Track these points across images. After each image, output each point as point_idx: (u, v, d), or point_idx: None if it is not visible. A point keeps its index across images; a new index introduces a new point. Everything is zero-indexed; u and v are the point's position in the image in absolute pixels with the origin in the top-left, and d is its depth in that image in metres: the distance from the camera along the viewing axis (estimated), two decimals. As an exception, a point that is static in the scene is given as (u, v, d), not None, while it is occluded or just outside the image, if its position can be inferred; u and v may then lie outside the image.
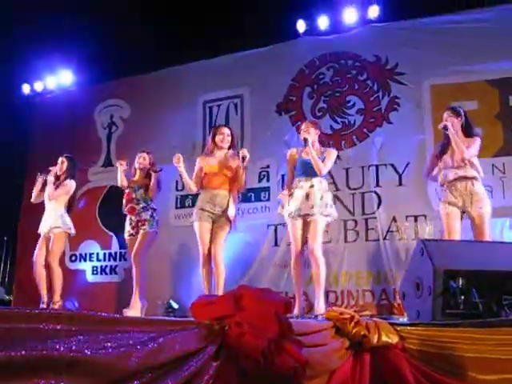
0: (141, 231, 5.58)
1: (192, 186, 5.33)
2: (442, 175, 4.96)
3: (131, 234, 5.68)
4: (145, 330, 1.63)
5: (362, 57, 6.84)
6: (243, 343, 1.84)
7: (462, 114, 4.97)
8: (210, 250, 5.07)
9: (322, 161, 5.01)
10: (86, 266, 7.78)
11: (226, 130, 5.34)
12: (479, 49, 6.14)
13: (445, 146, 4.99)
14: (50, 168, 6.16)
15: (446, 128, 4.83)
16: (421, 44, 6.43)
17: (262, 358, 1.84)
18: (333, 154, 5.16)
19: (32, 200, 6.27)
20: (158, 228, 5.74)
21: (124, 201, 5.73)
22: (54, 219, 6.02)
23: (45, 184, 6.13)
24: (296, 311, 4.94)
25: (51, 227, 5.99)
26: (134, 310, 5.42)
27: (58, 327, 1.36)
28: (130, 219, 5.69)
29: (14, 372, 1.22)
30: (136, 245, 5.53)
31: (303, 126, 5.25)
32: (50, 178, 6.07)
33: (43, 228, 6.07)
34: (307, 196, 4.95)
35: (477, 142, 4.87)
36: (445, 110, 5.07)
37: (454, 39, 6.28)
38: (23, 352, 1.21)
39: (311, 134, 5.10)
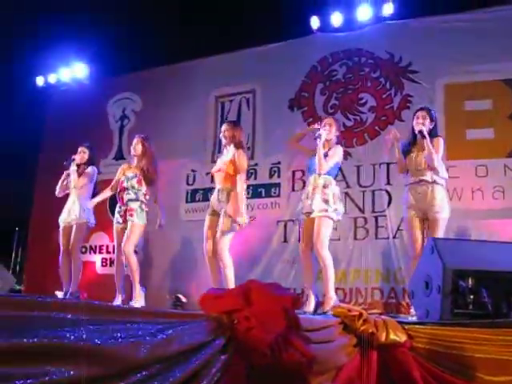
0: (129, 223, 5.51)
1: None
2: (406, 177, 5.02)
3: (118, 222, 5.63)
4: (154, 322, 1.64)
5: (375, 54, 6.80)
6: (251, 337, 1.84)
7: (434, 118, 5.01)
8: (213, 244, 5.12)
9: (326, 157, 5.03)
10: (96, 258, 7.84)
11: (223, 127, 5.34)
12: (495, 48, 6.07)
13: (409, 146, 5.02)
14: (74, 156, 6.18)
15: (421, 133, 4.83)
16: (435, 42, 6.38)
17: (269, 352, 1.85)
18: (337, 151, 5.13)
19: (56, 193, 6.29)
20: (147, 220, 5.65)
21: (118, 189, 5.75)
22: (77, 210, 6.08)
23: (68, 176, 6.19)
24: (306, 308, 4.96)
25: (73, 218, 6.06)
26: (139, 300, 5.45)
27: (69, 316, 1.37)
28: (120, 207, 5.67)
29: (25, 359, 1.24)
30: (124, 238, 5.50)
31: (326, 120, 5.26)
32: (73, 168, 6.12)
33: (66, 218, 6.12)
34: (309, 193, 4.98)
35: (440, 144, 4.91)
36: (419, 109, 5.08)
37: (470, 38, 6.22)
38: (35, 339, 1.23)
39: (330, 133, 5.11)
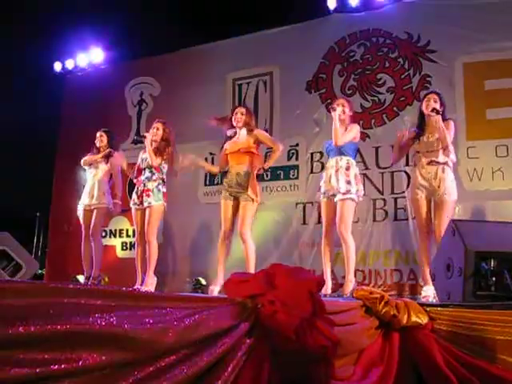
0: (146, 204, 5.52)
1: (214, 170, 5.71)
2: (416, 158, 5.01)
3: (135, 203, 5.64)
4: (181, 307, 1.66)
5: (393, 34, 6.72)
6: (276, 321, 1.86)
7: (444, 102, 5.01)
8: (231, 226, 5.18)
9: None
10: (116, 242, 7.91)
11: (239, 109, 5.39)
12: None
13: (419, 129, 5.03)
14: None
15: (436, 111, 4.82)
16: (454, 20, 6.28)
17: (294, 336, 1.86)
18: (354, 128, 5.16)
19: (82, 162, 6.39)
20: (166, 201, 5.66)
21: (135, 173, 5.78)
22: (98, 194, 6.17)
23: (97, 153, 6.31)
24: (324, 290, 4.99)
25: (94, 202, 6.16)
26: (149, 287, 5.48)
27: (98, 302, 1.40)
28: (137, 188, 5.68)
29: (59, 344, 1.26)
30: (146, 223, 5.52)
31: (338, 101, 5.28)
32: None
33: (87, 201, 6.21)
34: (331, 176, 5.00)
35: (452, 127, 4.91)
36: (429, 93, 5.12)
37: (489, 15, 6.11)
38: (67, 326, 1.25)
39: (344, 113, 5.12)
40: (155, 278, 5.61)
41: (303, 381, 1.97)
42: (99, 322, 1.33)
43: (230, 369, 1.66)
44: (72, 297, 1.34)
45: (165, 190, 5.63)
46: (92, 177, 6.26)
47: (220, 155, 5.53)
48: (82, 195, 6.31)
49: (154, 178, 5.58)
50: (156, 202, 5.51)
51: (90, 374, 1.29)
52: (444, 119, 4.90)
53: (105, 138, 6.34)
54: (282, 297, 1.93)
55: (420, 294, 5.02)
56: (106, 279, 6.55)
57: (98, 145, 6.31)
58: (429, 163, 4.86)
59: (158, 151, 5.58)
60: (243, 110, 5.39)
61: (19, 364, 1.16)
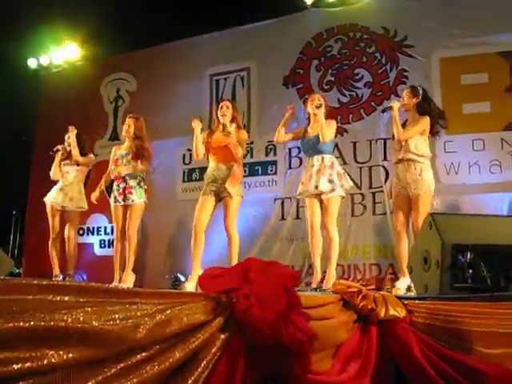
0: (129, 202, 5.51)
1: (196, 154, 5.38)
2: (392, 155, 5.18)
3: (117, 201, 5.60)
4: (153, 302, 1.63)
5: (371, 29, 6.74)
6: (251, 316, 1.83)
7: (420, 93, 4.98)
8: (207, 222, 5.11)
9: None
10: (94, 240, 7.83)
11: (225, 102, 5.33)
12: (491, 20, 6.03)
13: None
14: (58, 147, 6.20)
15: (390, 109, 4.89)
16: (431, 16, 6.33)
17: (269, 330, 1.83)
18: (333, 124, 5.21)
19: (52, 177, 6.31)
20: (147, 197, 5.66)
21: (113, 167, 5.72)
22: (75, 195, 6.15)
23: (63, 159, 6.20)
24: (313, 283, 5.05)
25: (70, 203, 6.13)
26: (127, 284, 5.43)
27: (66, 298, 1.36)
28: (117, 185, 5.63)
29: (22, 342, 1.23)
30: (127, 220, 5.50)
31: (313, 97, 5.26)
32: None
33: (60, 200, 6.13)
34: (311, 176, 5.00)
35: (423, 122, 4.90)
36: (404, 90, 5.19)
37: (465, 10, 6.17)
38: (31, 322, 1.22)
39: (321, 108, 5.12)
40: (133, 275, 5.56)
41: (279, 376, 1.95)
42: (65, 318, 1.30)
43: (203, 364, 1.63)
44: (37, 293, 1.30)
45: (146, 186, 5.61)
46: (66, 177, 6.21)
47: (200, 146, 5.33)
48: (53, 191, 6.21)
49: (135, 174, 5.56)
50: (139, 199, 5.50)
51: (55, 372, 1.25)
52: (422, 113, 4.92)
53: (71, 139, 6.25)
54: (256, 291, 1.91)
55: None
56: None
57: (66, 146, 6.22)
58: (400, 160, 4.91)
59: (138, 155, 5.54)
60: (229, 103, 5.31)
61: (-21, 363, 1.13)
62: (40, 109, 8.50)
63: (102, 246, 7.77)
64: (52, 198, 6.15)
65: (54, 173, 6.29)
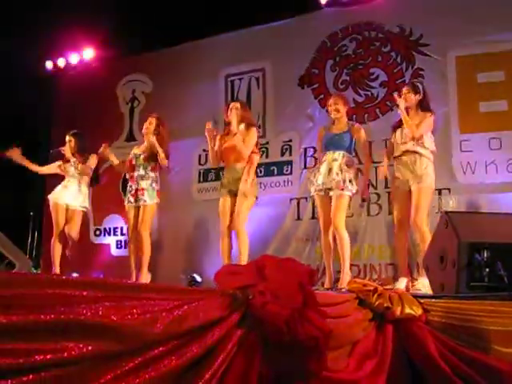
0: (140, 202, 5.53)
1: (212, 162, 5.55)
2: (394, 150, 5.03)
3: (129, 202, 5.64)
4: (170, 298, 1.65)
5: (386, 28, 6.71)
6: (267, 312, 1.84)
7: (421, 90, 4.97)
8: (230, 223, 5.13)
9: (349, 135, 5.14)
10: (111, 240, 7.88)
11: (234, 104, 5.37)
12: (508, 17, 5.96)
13: (398, 123, 5.05)
14: (62, 148, 6.20)
15: (397, 106, 4.92)
16: (447, 14, 6.27)
17: (285, 327, 1.85)
18: (362, 133, 5.25)
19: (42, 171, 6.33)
20: (159, 198, 5.67)
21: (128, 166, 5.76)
22: (81, 197, 6.09)
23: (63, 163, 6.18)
24: (326, 284, 5.05)
25: (76, 204, 6.05)
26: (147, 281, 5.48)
27: (85, 293, 1.38)
28: (130, 186, 5.68)
29: (43, 334, 1.25)
30: (139, 221, 5.54)
31: (332, 100, 5.26)
32: (73, 160, 6.12)
33: (68, 201, 6.06)
34: (330, 170, 5.00)
35: (428, 119, 4.88)
36: (404, 87, 5.14)
37: (481, 8, 6.12)
38: (52, 316, 1.24)
39: (341, 112, 5.16)
40: (149, 275, 5.60)
41: (295, 372, 1.96)
42: (85, 312, 1.32)
43: (219, 360, 1.64)
44: (57, 287, 1.33)
45: (158, 187, 5.63)
46: (73, 179, 6.15)
47: (214, 151, 5.40)
48: (61, 190, 6.14)
49: (147, 176, 5.58)
50: (151, 200, 5.53)
51: (76, 364, 1.27)
52: (425, 109, 4.90)
53: (73, 143, 6.21)
54: (272, 288, 1.92)
55: (413, 286, 5.03)
56: None
57: (68, 150, 6.18)
58: (401, 154, 4.88)
59: (150, 157, 5.60)
60: (238, 104, 5.36)
61: (1, 354, 1.15)
62: (56, 111, 8.58)
63: (119, 246, 7.82)
64: (56, 196, 6.08)
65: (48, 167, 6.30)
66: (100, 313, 1.35)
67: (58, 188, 6.12)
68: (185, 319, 1.60)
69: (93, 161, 6.19)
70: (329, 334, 2.04)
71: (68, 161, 6.16)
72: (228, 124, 5.36)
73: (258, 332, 1.86)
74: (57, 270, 5.97)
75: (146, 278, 5.51)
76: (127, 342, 1.40)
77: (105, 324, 1.35)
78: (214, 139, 5.35)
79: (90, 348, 1.29)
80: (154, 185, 5.58)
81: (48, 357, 1.21)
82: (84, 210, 6.17)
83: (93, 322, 1.33)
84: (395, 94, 5.03)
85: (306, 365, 1.96)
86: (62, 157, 6.26)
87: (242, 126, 5.21)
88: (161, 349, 1.51)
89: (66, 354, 1.24)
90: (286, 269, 2.05)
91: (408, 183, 4.84)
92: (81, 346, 1.28)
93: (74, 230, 6.00)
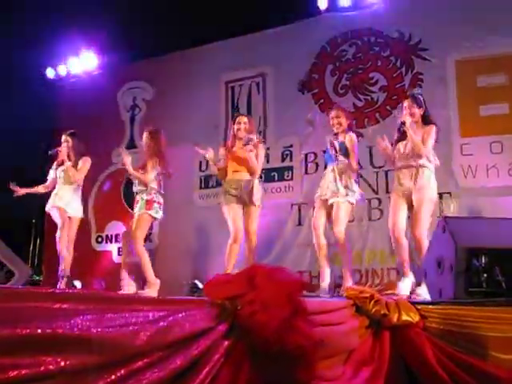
0: (135, 213, 5.46)
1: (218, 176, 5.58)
2: (397, 160, 4.86)
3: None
4: (156, 309, 1.64)
5: (385, 33, 6.71)
6: (255, 322, 1.83)
7: (423, 102, 4.84)
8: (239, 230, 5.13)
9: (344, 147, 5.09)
10: (112, 247, 7.88)
11: (242, 118, 5.37)
12: (507, 20, 5.94)
13: (400, 133, 4.87)
14: (59, 149, 6.11)
15: (403, 124, 4.71)
16: (446, 18, 6.26)
17: (273, 337, 1.83)
18: (353, 139, 5.15)
19: (46, 188, 6.18)
20: (148, 209, 5.45)
21: None
22: (76, 203, 5.98)
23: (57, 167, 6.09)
24: (322, 287, 5.02)
25: (71, 211, 5.92)
26: (149, 292, 5.41)
27: (65, 306, 1.37)
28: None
29: (20, 349, 1.24)
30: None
31: (334, 113, 5.22)
32: (67, 164, 6.02)
33: (64, 207, 5.91)
34: (330, 180, 5.01)
35: (433, 132, 4.73)
36: (407, 98, 4.93)
37: (480, 11, 6.10)
38: (28, 330, 1.23)
39: (341, 125, 5.14)
40: (155, 284, 5.52)
41: (284, 382, 1.95)
42: (63, 325, 1.31)
43: (205, 371, 1.63)
44: (35, 301, 1.32)
45: (148, 197, 5.56)
46: (66, 185, 6.01)
47: (218, 164, 5.38)
48: (56, 198, 5.97)
49: (138, 188, 5.60)
50: (139, 211, 5.46)
51: (53, 378, 1.26)
52: (428, 122, 4.83)
53: (70, 143, 6.08)
54: (261, 298, 1.91)
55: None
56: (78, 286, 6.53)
57: (64, 150, 6.03)
58: (404, 167, 4.73)
59: (142, 166, 5.57)
60: (246, 119, 5.36)
61: (-27, 370, 1.14)
62: (57, 118, 8.60)
63: (121, 253, 7.80)
64: (51, 203, 5.95)
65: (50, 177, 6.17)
66: (80, 326, 1.34)
67: (52, 197, 6.00)
68: (170, 330, 1.59)
69: (84, 165, 6.07)
70: (317, 344, 2.02)
71: (61, 164, 6.05)
72: (233, 136, 5.36)
73: (246, 342, 1.85)
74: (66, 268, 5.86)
75: (151, 287, 5.46)
76: (108, 355, 1.39)
77: (84, 337, 1.34)
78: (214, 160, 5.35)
79: (68, 362, 1.28)
80: (143, 195, 5.53)
81: (23, 372, 1.20)
82: (78, 217, 6.03)
83: (71, 335, 1.32)
84: (398, 116, 4.93)
85: (294, 374, 1.94)
86: (56, 157, 6.11)
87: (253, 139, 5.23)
88: (144, 360, 1.50)
89: (42, 369, 1.23)
90: (276, 278, 2.04)
91: (410, 194, 4.73)
92: (58, 359, 1.27)
93: (71, 240, 5.90)
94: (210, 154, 5.31)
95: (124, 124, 8.26)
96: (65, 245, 5.84)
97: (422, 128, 4.78)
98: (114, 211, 7.80)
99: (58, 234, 5.89)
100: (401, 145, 4.81)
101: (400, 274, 5.05)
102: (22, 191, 6.03)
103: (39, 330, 1.25)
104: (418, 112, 4.80)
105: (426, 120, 4.81)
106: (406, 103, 4.87)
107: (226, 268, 5.06)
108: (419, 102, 4.83)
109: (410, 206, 4.72)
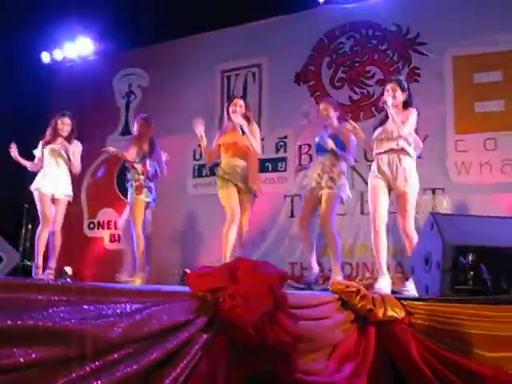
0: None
1: (206, 158, 5.53)
2: (375, 146, 4.83)
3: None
4: (133, 301, 1.63)
5: (383, 26, 6.68)
6: (235, 316, 1.83)
7: (406, 87, 4.80)
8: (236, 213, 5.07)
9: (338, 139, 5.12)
10: (104, 234, 7.88)
11: (237, 101, 5.32)
12: (505, 17, 5.91)
13: (384, 118, 4.86)
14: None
15: (385, 103, 4.67)
16: (444, 13, 6.23)
17: (253, 331, 1.83)
18: (351, 139, 5.19)
19: (35, 166, 6.04)
20: (138, 193, 5.68)
21: None
22: (66, 185, 5.89)
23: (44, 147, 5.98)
24: (309, 278, 5.06)
25: (61, 192, 5.84)
26: (136, 281, 5.46)
27: (39, 297, 1.36)
28: None
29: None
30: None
31: (322, 106, 5.23)
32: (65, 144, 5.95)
33: (52, 189, 5.82)
34: (318, 171, 5.02)
35: (413, 115, 4.68)
36: (392, 81, 4.89)
37: (479, 7, 6.08)
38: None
39: (331, 117, 5.13)
40: (147, 268, 5.62)
41: (264, 377, 1.94)
42: (35, 317, 1.30)
43: (182, 364, 1.62)
44: (11, 292, 1.31)
45: (136, 184, 5.62)
46: (57, 167, 5.91)
47: (211, 147, 5.34)
48: (43, 179, 5.87)
49: (128, 176, 5.68)
50: (131, 196, 5.63)
51: (23, 370, 1.25)
52: (408, 106, 4.77)
53: (69, 126, 6.02)
54: (242, 291, 1.90)
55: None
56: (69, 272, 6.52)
57: (60, 128, 5.96)
58: (386, 151, 4.68)
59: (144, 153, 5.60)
60: (242, 102, 5.31)
61: None
62: (53, 103, 8.54)
63: (112, 240, 7.81)
64: (38, 186, 5.83)
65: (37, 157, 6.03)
66: (52, 317, 1.33)
67: (39, 177, 5.87)
68: (146, 323, 1.58)
69: (79, 151, 5.99)
70: (299, 338, 2.02)
71: (48, 143, 5.94)
72: (228, 119, 5.31)
73: (226, 336, 1.85)
74: (40, 262, 5.80)
75: (137, 275, 5.51)
76: (82, 347, 1.38)
77: (57, 329, 1.33)
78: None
79: (39, 354, 1.28)
80: (131, 182, 5.66)
81: (-9, 364, 1.19)
82: (69, 199, 5.95)
83: (44, 328, 1.31)
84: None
85: (275, 368, 1.94)
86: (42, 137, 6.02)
87: (244, 122, 5.18)
88: (120, 353, 1.49)
89: (11, 361, 1.22)
90: (257, 272, 2.03)
91: (389, 182, 4.70)
92: (29, 351, 1.26)
93: (58, 221, 5.83)
94: (203, 141, 5.28)
95: (119, 110, 8.22)
96: (44, 243, 5.81)
97: (402, 112, 4.73)
98: (107, 198, 7.79)
99: (38, 231, 5.85)
100: (379, 130, 4.78)
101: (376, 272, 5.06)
102: (16, 156, 5.91)
103: (9, 322, 1.24)
104: (401, 95, 4.74)
105: (406, 104, 4.77)
106: (388, 86, 4.83)
107: (225, 256, 5.01)
108: (403, 85, 4.80)
109: (389, 192, 4.72)
